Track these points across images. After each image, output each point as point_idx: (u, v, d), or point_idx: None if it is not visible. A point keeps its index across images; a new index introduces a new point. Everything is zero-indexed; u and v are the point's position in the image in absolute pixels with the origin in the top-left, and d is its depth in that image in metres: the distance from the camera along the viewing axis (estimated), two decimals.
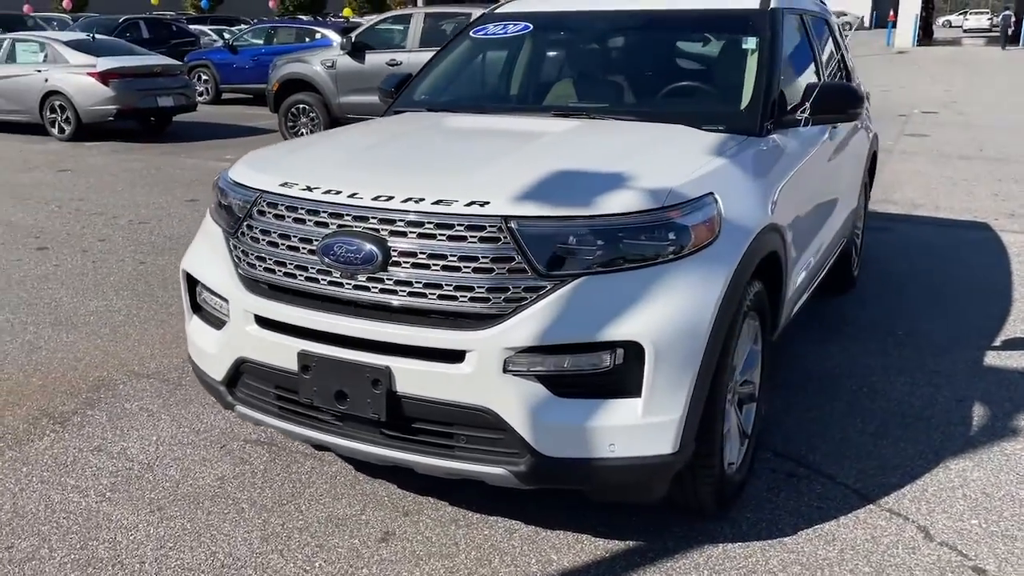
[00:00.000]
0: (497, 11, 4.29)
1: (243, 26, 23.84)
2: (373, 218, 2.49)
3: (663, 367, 2.37)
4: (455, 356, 2.40)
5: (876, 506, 2.98)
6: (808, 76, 4.02)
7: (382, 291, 2.47)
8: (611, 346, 2.36)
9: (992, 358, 4.32)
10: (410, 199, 2.47)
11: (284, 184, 2.71)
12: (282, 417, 2.73)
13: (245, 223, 2.76)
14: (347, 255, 2.49)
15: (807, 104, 3.34)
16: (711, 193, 2.62)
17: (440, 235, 2.42)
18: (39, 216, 7.54)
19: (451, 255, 2.40)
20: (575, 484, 2.58)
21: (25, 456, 3.33)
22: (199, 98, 17.04)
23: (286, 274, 2.64)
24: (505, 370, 2.37)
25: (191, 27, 22.74)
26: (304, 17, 36.60)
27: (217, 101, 17.34)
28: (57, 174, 9.68)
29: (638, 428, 2.40)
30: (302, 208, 2.61)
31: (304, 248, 2.59)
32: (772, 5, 3.77)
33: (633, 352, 2.36)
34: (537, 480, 2.48)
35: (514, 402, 2.37)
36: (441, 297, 2.41)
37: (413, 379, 2.45)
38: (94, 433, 3.52)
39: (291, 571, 2.62)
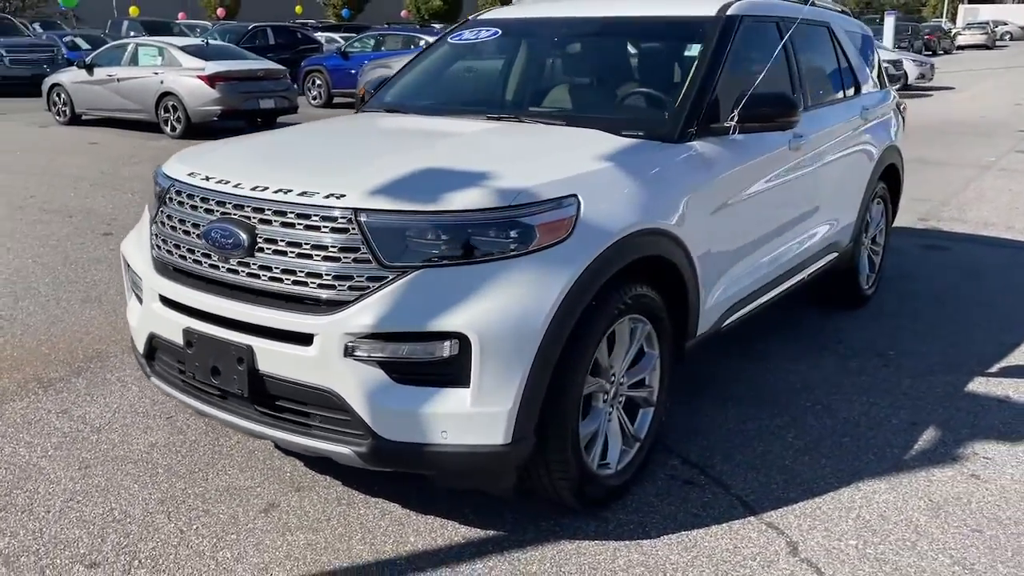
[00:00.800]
0: (480, 17, 4.42)
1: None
2: (247, 206, 2.68)
3: (490, 360, 2.45)
4: (305, 339, 2.55)
5: (757, 519, 2.93)
6: (771, 85, 3.94)
7: (248, 275, 2.66)
8: (443, 336, 2.45)
9: (976, 385, 4.10)
10: (280, 190, 2.65)
11: (190, 174, 2.94)
12: (182, 390, 2.96)
13: (160, 208, 3.01)
14: (222, 240, 2.69)
15: (735, 112, 3.31)
16: (574, 195, 2.67)
17: (299, 224, 2.58)
18: (119, 205, 8.19)
19: (306, 243, 2.56)
20: (414, 468, 2.68)
21: (1, 413, 3.71)
22: (312, 101, 17.99)
23: (180, 256, 2.87)
24: (347, 354, 2.50)
25: (317, 35, 23.88)
26: (437, 25, 37.66)
27: (329, 104, 18.16)
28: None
29: (468, 417, 2.49)
30: (197, 196, 2.83)
31: (194, 232, 2.81)
32: (729, 12, 3.74)
33: (465, 343, 2.45)
34: (378, 462, 2.60)
35: (355, 385, 2.51)
36: (295, 282, 2.57)
37: (271, 359, 2.62)
38: (67, 398, 3.87)
39: (169, 531, 2.84)
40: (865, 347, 4.58)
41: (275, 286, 2.61)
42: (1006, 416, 3.76)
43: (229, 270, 2.70)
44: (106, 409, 3.75)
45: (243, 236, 2.64)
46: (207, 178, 2.86)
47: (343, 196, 2.56)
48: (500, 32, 4.19)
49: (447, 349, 2.46)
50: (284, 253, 2.59)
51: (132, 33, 24.93)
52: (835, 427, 3.64)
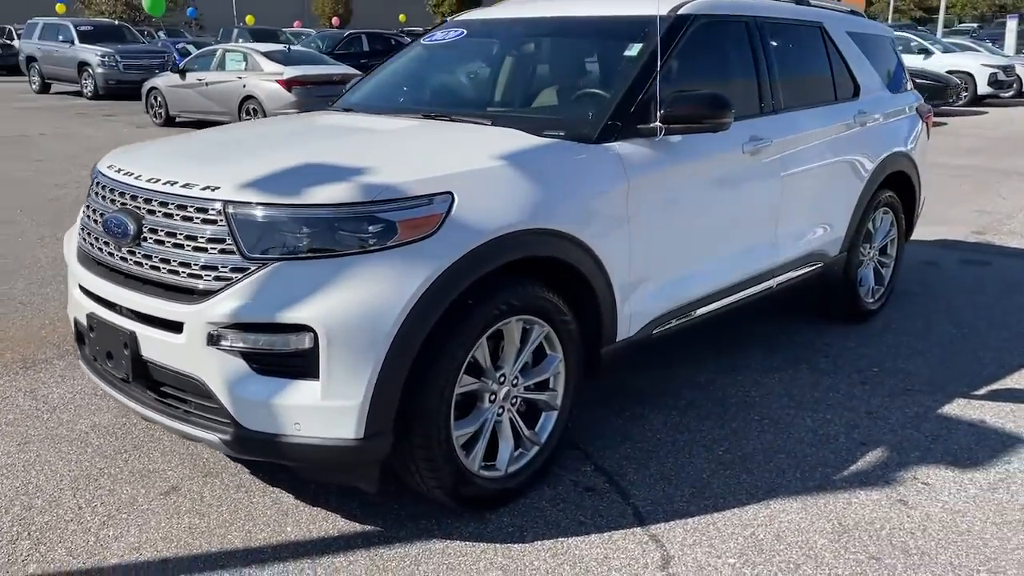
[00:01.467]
0: (455, 18, 4.44)
1: None
2: (139, 197, 2.78)
3: (338, 353, 2.47)
4: (177, 327, 2.64)
5: (643, 530, 2.84)
6: (724, 86, 3.82)
7: (134, 262, 2.76)
8: (292, 328, 2.49)
9: (954, 407, 3.84)
10: (168, 182, 2.74)
11: (110, 166, 3.07)
12: (96, 374, 3.09)
13: (87, 200, 3.16)
14: (115, 228, 2.80)
15: (659, 113, 3.22)
16: (449, 193, 2.65)
17: (177, 215, 2.67)
18: None
19: (181, 233, 2.65)
20: (274, 458, 2.71)
21: None
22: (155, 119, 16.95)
23: (90, 244, 3.01)
24: (210, 343, 2.56)
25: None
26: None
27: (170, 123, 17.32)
28: None
29: (319, 410, 2.51)
30: (107, 187, 2.96)
31: (99, 221, 2.94)
32: (681, 12, 3.64)
33: (315, 336, 2.48)
34: (241, 450, 2.65)
35: (218, 374, 2.57)
36: (170, 271, 2.66)
37: (151, 345, 2.71)
38: (40, 378, 4.09)
39: (69, 507, 2.97)
40: (850, 363, 4.35)
41: (154, 274, 2.70)
42: (969, 441, 3.51)
43: (121, 258, 2.82)
44: (69, 391, 3.95)
45: (131, 225, 2.75)
46: (119, 170, 2.98)
47: (217, 188, 2.63)
48: (465, 33, 4.20)
49: (299, 341, 2.49)
50: (163, 243, 2.68)
51: (240, 40, 26.08)
52: (774, 443, 3.48)
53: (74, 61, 20.91)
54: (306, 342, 2.48)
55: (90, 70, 20.47)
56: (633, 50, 3.50)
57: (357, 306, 2.48)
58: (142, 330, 2.72)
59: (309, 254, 2.53)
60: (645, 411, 3.74)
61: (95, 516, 2.92)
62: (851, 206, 4.55)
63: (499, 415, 2.93)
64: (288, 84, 13.19)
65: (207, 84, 14.31)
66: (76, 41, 21.22)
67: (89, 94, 20.49)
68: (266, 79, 13.45)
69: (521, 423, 3.00)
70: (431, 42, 4.31)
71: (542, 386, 3.09)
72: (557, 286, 2.99)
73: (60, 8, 27.62)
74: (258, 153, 3.06)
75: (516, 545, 2.75)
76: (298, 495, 3.04)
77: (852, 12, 5.12)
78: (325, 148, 3.08)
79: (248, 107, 13.69)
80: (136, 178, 2.85)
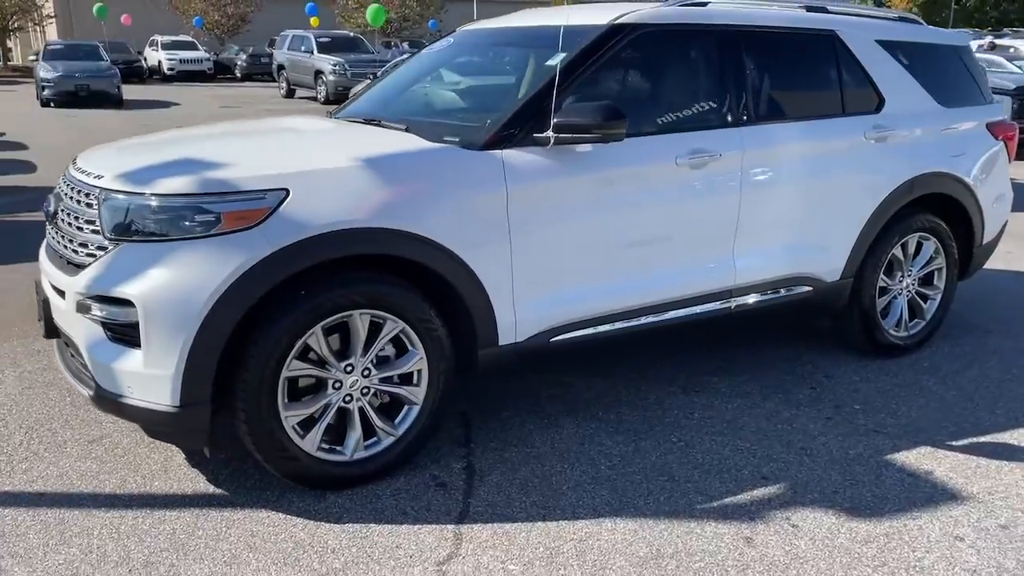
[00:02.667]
0: (460, 29, 4.62)
1: None
2: (69, 185, 3.24)
3: (154, 326, 2.77)
4: (63, 295, 3.07)
5: (454, 527, 2.90)
6: (671, 97, 3.71)
7: (58, 240, 3.22)
8: (121, 302, 2.83)
9: (906, 455, 3.48)
10: (88, 172, 3.18)
11: (73, 162, 3.58)
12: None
13: None
14: (46, 210, 3.30)
15: (552, 122, 3.24)
16: (284, 189, 2.88)
17: (79, 200, 3.10)
18: None
19: (76, 215, 3.08)
20: (120, 416, 3.04)
21: None
22: None
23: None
24: (78, 311, 2.97)
25: None
26: None
27: None
28: None
29: (142, 377, 2.83)
30: (61, 178, 3.47)
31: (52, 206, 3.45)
32: (619, 22, 3.61)
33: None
34: (101, 407, 3.03)
35: (83, 338, 2.97)
36: (70, 248, 3.09)
37: (56, 311, 3.17)
38: (27, 352, 4.43)
39: (10, 433, 3.50)
40: (834, 397, 4.04)
41: (63, 251, 3.15)
42: (890, 492, 3.19)
43: (51, 236, 3.30)
44: (44, 365, 4.31)
45: (52, 207, 3.23)
46: (75, 162, 3.48)
47: (101, 177, 3.03)
48: (452, 42, 4.37)
49: (128, 314, 2.82)
50: (69, 223, 3.12)
51: None
52: (666, 466, 3.36)
53: (311, 69, 23.13)
54: (132, 315, 2.80)
55: (323, 77, 22.54)
56: (555, 60, 3.51)
57: (173, 286, 2.76)
58: (53, 298, 3.18)
59: (148, 237, 2.85)
60: (562, 420, 3.73)
61: (26, 446, 3.42)
62: (856, 227, 4.19)
63: (347, 403, 3.09)
64: None
65: None
66: (315, 51, 23.45)
67: (321, 99, 22.54)
68: None
69: (373, 413, 3.15)
70: (429, 52, 4.53)
71: (407, 379, 3.21)
72: (421, 285, 3.10)
73: (314, 22, 30.51)
74: (163, 149, 3.43)
75: (326, 524, 2.91)
76: (190, 458, 3.38)
77: (901, 19, 4.69)
78: (216, 147, 3.40)
79: None
80: (78, 170, 3.30)
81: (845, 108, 4.19)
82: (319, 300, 2.92)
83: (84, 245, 3.01)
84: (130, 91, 24.13)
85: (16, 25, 39.27)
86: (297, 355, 2.94)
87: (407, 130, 3.49)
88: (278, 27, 31.50)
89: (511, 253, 3.25)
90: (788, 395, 4.06)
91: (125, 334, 2.87)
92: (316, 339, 2.97)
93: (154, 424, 2.95)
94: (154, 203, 2.85)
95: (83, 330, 2.96)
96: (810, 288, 4.13)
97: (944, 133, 4.50)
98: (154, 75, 33.40)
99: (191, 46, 34.52)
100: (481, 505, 3.05)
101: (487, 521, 2.95)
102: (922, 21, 4.85)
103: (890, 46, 4.40)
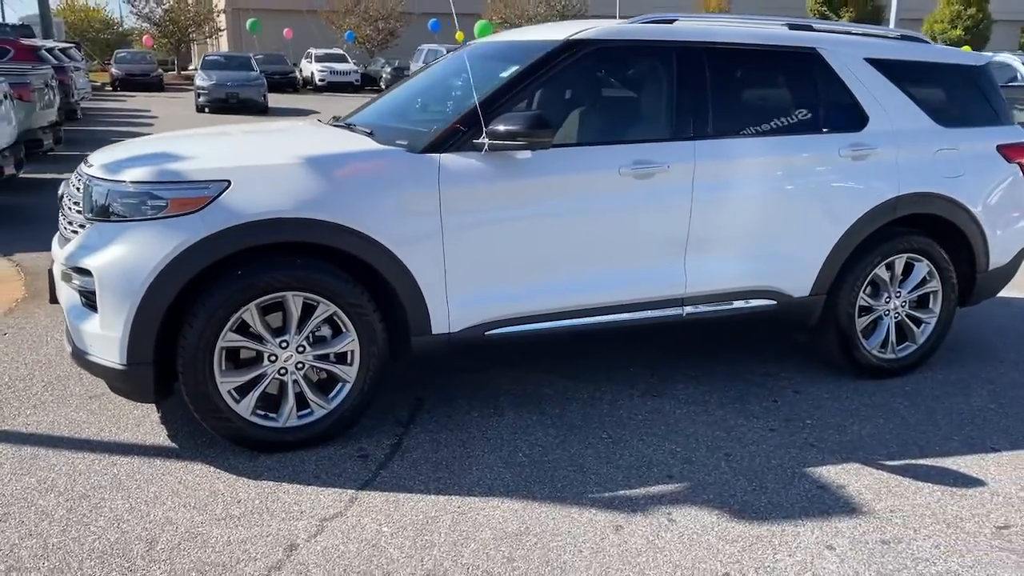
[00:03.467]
0: (475, 41, 4.93)
1: None
2: (76, 175, 3.77)
3: (106, 294, 3.23)
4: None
5: (352, 493, 3.20)
6: (620, 110, 3.88)
7: (61, 220, 3.76)
8: (83, 271, 3.30)
9: (828, 470, 3.51)
10: (88, 164, 3.70)
11: (83, 159, 4.12)
12: None
13: None
14: (58, 194, 3.85)
15: (487, 129, 3.50)
16: (227, 180, 3.28)
17: (76, 186, 3.62)
18: None
19: (72, 199, 3.60)
20: (89, 372, 3.50)
21: None
22: None
23: None
24: (63, 280, 3.48)
25: None
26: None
27: None
28: None
29: (99, 337, 3.30)
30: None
31: None
32: (575, 38, 3.83)
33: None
34: (76, 362, 3.50)
35: (66, 302, 3.48)
36: (66, 227, 3.62)
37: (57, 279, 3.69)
38: (17, 321, 5.06)
39: (30, 383, 4.08)
40: (790, 412, 4.07)
41: (62, 228, 3.68)
42: (796, 501, 3.24)
43: (60, 217, 3.85)
44: (31, 332, 4.92)
45: (61, 191, 3.77)
46: (87, 158, 4.02)
47: (91, 167, 3.54)
48: (461, 54, 4.66)
49: (89, 283, 3.29)
50: (68, 206, 3.65)
51: None
52: (579, 459, 3.53)
53: None
54: (92, 284, 3.27)
55: None
56: (507, 72, 3.77)
57: (123, 260, 3.21)
58: (54, 267, 3.71)
59: (112, 218, 3.31)
60: (507, 411, 3.96)
61: (39, 396, 3.98)
62: (827, 244, 4.19)
63: (282, 375, 3.45)
64: None
65: None
66: None
67: None
68: None
69: (306, 387, 3.49)
70: (426, 64, 4.87)
71: (342, 359, 3.54)
72: (356, 274, 3.43)
73: (459, 36, 31.61)
74: (153, 146, 3.89)
75: (245, 479, 3.28)
76: (165, 415, 3.83)
77: (904, 38, 4.63)
78: (192, 145, 3.82)
79: None
80: (86, 161, 3.83)
81: (822, 125, 4.21)
82: (253, 280, 3.29)
83: (71, 224, 3.52)
84: (280, 100, 25.91)
85: (192, 37, 42.60)
86: (234, 328, 3.33)
87: (371, 134, 3.82)
88: (426, 42, 32.98)
89: (444, 249, 3.52)
90: (745, 406, 4.11)
91: (91, 300, 3.34)
92: (251, 315, 3.34)
93: (108, 379, 3.41)
94: (119, 189, 3.32)
95: (65, 296, 3.46)
96: (774, 302, 4.17)
97: (939, 153, 4.41)
98: (307, 85, 35.54)
99: (341, 59, 36.44)
100: (389, 477, 3.33)
101: (386, 490, 3.23)
102: (928, 40, 4.76)
103: (882, 65, 4.37)
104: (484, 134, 3.50)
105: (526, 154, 3.60)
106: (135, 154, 3.62)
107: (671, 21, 4.06)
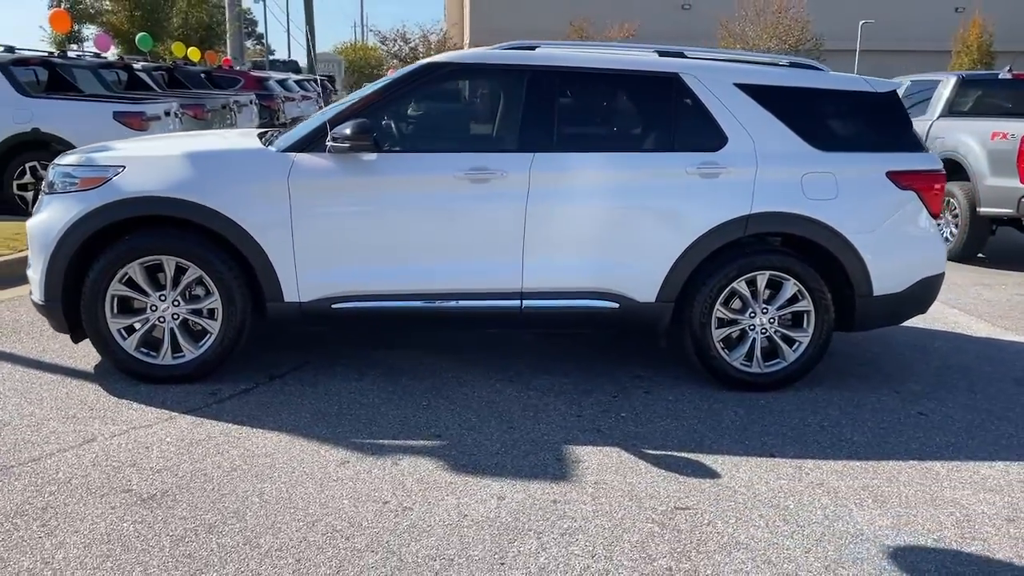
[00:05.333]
0: None
1: None
2: None
3: (34, 246, 4.35)
4: None
5: (175, 415, 4.03)
6: (464, 122, 4.47)
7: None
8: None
9: (577, 450, 3.86)
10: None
11: None
12: None
13: None
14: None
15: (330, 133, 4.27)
16: (122, 166, 4.30)
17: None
18: None
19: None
20: (35, 308, 4.60)
21: None
22: None
23: None
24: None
25: None
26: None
27: None
28: None
29: (32, 280, 4.43)
30: None
31: None
32: (434, 61, 4.51)
33: None
34: (37, 309, 4.64)
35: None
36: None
37: None
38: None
39: None
40: (620, 406, 4.38)
41: None
42: (523, 463, 3.67)
43: None
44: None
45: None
46: None
47: (64, 156, 4.70)
48: None
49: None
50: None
51: None
52: (369, 416, 4.11)
53: None
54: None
55: None
56: (373, 87, 4.51)
57: (44, 222, 4.31)
58: None
59: (49, 191, 4.43)
60: (366, 378, 4.63)
61: (40, 332, 5.21)
62: (671, 255, 4.44)
63: (161, 323, 4.38)
64: None
65: None
66: None
67: None
68: None
69: (179, 334, 4.40)
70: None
71: (211, 314, 4.41)
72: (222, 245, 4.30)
73: None
74: (116, 142, 4.99)
75: (112, 397, 4.24)
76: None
77: (793, 65, 4.78)
78: (143, 141, 4.89)
79: None
80: None
81: (674, 144, 4.51)
82: (135, 244, 4.27)
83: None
84: None
85: None
86: (123, 281, 4.31)
87: (265, 138, 4.69)
88: None
89: (292, 230, 4.30)
90: (583, 398, 4.48)
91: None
92: (134, 271, 4.30)
93: (38, 313, 4.51)
94: (56, 170, 4.44)
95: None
96: (617, 304, 4.51)
97: (809, 176, 4.53)
98: None
99: None
100: (215, 410, 4.14)
101: (200, 416, 4.04)
102: (822, 67, 4.86)
103: (754, 90, 4.58)
104: (328, 138, 4.25)
105: (371, 156, 4.31)
106: (95, 147, 4.73)
107: (532, 48, 4.59)
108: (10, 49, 10.12)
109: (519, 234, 4.41)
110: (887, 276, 4.65)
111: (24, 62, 9.82)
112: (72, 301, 4.34)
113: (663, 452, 3.85)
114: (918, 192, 4.64)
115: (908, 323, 5.13)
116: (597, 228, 4.46)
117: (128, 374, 4.44)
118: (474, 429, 4.03)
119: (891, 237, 4.64)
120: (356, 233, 4.36)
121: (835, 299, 4.66)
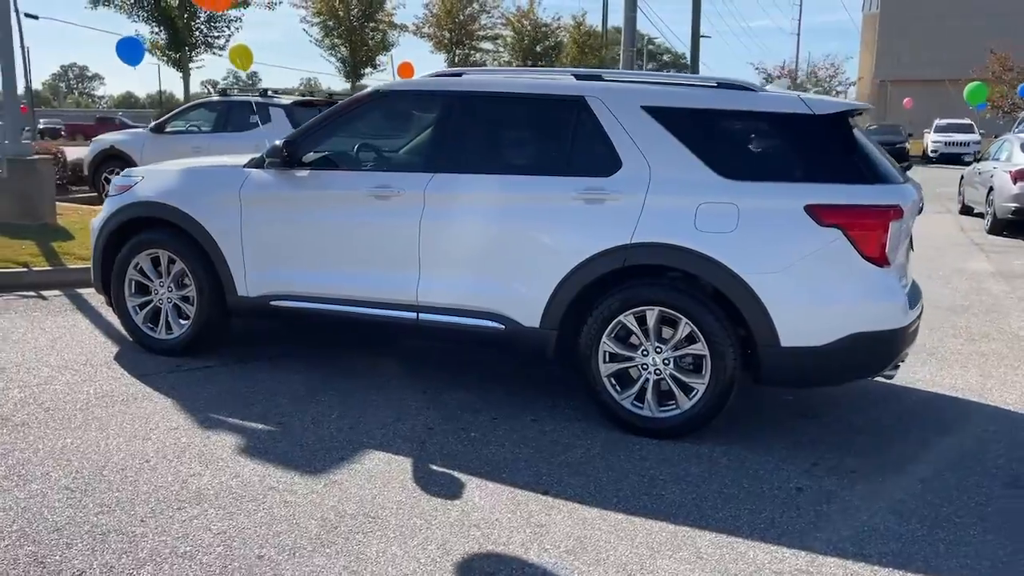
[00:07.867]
0: None
1: None
2: None
3: (92, 234, 5.67)
4: None
5: (115, 381, 5.01)
6: (388, 144, 4.86)
7: None
8: None
9: (389, 460, 4.07)
10: None
11: None
12: None
13: None
14: None
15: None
16: (140, 177, 5.46)
17: None
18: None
19: None
20: None
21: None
22: None
23: None
24: None
25: None
26: None
27: None
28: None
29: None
30: None
31: None
32: (378, 88, 5.03)
33: None
34: None
35: None
36: None
37: None
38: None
39: None
40: (491, 429, 4.43)
41: None
42: (335, 465, 4.03)
43: None
44: None
45: None
46: None
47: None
48: None
49: None
50: None
51: None
52: (277, 407, 4.69)
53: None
54: None
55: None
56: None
57: (99, 216, 5.61)
58: None
59: (109, 195, 5.74)
60: (302, 371, 5.21)
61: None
62: (551, 282, 4.33)
63: (161, 304, 5.44)
64: (1016, 176, 12.26)
65: (979, 172, 14.15)
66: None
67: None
68: (1004, 167, 12.74)
69: (171, 314, 5.41)
70: None
71: (188, 301, 5.36)
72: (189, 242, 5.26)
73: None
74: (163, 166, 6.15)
75: (109, 360, 5.35)
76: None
77: (720, 85, 4.33)
78: (168, 164, 5.99)
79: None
80: None
81: (565, 167, 4.41)
82: (141, 239, 5.38)
83: None
84: None
85: None
86: (137, 268, 5.44)
87: (254, 156, 5.52)
88: None
89: (241, 234, 5.08)
90: (464, 415, 4.58)
91: None
92: (143, 261, 5.41)
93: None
94: (113, 182, 5.74)
95: None
96: (502, 326, 4.54)
97: (705, 206, 4.13)
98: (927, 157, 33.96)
99: (966, 129, 34.03)
100: (160, 376, 5.03)
101: (148, 384, 4.90)
102: (755, 88, 4.31)
103: (662, 112, 4.30)
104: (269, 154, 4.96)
105: (303, 172, 4.93)
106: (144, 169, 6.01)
107: (459, 74, 4.82)
108: (264, 92, 11.80)
109: (415, 250, 4.67)
110: (798, 326, 4.05)
111: (309, 104, 11.74)
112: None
113: (478, 479, 3.84)
114: (843, 230, 3.97)
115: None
116: (484, 249, 4.54)
117: (137, 343, 5.56)
118: (316, 422, 4.38)
119: (804, 281, 4.04)
120: (287, 240, 4.99)
121: (744, 346, 4.18)
